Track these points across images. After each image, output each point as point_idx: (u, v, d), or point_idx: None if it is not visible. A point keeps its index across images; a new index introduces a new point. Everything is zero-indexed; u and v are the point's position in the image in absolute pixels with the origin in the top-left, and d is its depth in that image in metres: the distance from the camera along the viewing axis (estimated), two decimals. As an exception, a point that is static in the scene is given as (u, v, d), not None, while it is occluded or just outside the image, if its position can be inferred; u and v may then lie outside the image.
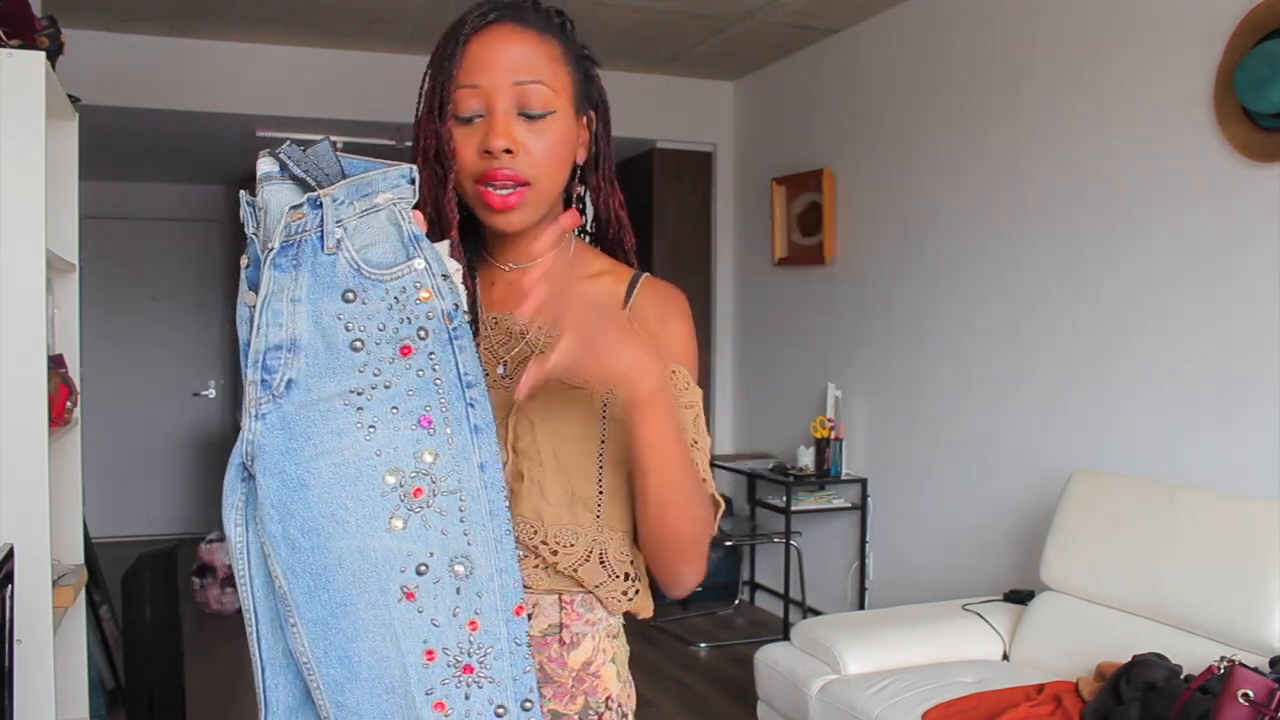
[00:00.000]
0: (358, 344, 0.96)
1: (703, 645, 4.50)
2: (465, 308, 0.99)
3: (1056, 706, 2.47)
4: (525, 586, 1.04)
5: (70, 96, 2.53)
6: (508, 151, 1.03)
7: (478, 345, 1.08)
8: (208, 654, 4.31)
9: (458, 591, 0.97)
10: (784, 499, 4.29)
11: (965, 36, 3.76)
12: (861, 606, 4.27)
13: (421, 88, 1.08)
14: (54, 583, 2.17)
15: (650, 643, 4.53)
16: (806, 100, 4.75)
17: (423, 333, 0.97)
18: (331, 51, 4.65)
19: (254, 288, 0.98)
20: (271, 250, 0.96)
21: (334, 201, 0.96)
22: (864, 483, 4.30)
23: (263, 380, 0.97)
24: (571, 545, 1.05)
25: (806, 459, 4.46)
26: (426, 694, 0.96)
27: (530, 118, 1.05)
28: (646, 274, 1.16)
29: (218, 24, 4.28)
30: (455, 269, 1.00)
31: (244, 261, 1.01)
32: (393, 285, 0.96)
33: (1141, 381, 3.06)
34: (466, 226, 1.13)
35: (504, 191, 1.04)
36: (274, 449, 0.97)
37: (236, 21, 4.25)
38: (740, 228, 5.35)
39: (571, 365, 0.94)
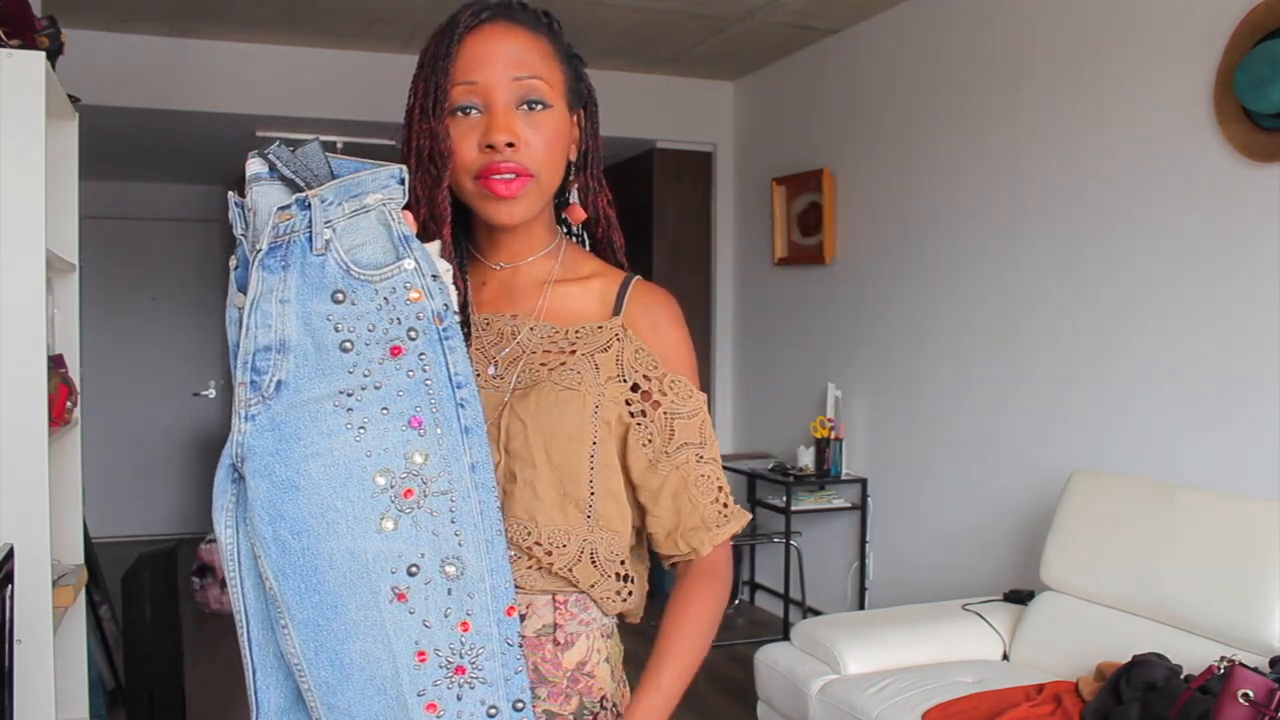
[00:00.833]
0: (347, 345, 0.96)
1: (703, 645, 4.50)
2: (455, 308, 0.99)
3: (1056, 706, 2.47)
4: (519, 587, 1.04)
5: (70, 96, 2.53)
6: (510, 145, 1.04)
7: (469, 346, 1.08)
8: (208, 654, 4.31)
9: (449, 592, 0.97)
10: (784, 499, 4.29)
11: (965, 37, 3.76)
12: (861, 606, 4.27)
13: (413, 89, 1.08)
14: (54, 583, 2.17)
15: (650, 643, 4.52)
16: (806, 100, 4.75)
17: (413, 333, 0.96)
18: (331, 51, 4.65)
19: (243, 289, 0.98)
20: (260, 251, 0.96)
21: (323, 202, 0.96)
22: (864, 483, 4.30)
23: (252, 381, 0.97)
24: (564, 546, 1.05)
25: (806, 459, 4.46)
26: (418, 695, 0.96)
27: (530, 110, 1.05)
28: (637, 277, 1.16)
29: (218, 24, 4.28)
30: (445, 269, 1.00)
31: (233, 263, 1.01)
32: (382, 286, 0.96)
33: (1142, 381, 3.05)
34: (458, 227, 1.13)
35: (508, 177, 1.05)
36: (264, 450, 0.96)
37: (236, 21, 4.25)
38: (740, 228, 5.35)
39: None
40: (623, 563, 1.09)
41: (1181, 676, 2.32)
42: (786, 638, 3.25)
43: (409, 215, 0.99)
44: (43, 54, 2.14)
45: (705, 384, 5.34)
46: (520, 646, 0.99)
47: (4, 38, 2.10)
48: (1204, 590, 2.51)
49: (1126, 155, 3.10)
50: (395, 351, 0.96)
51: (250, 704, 1.04)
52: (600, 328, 1.10)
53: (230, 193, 1.03)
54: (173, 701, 3.26)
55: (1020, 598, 3.13)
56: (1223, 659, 2.20)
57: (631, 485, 1.10)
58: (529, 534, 1.04)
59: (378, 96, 4.61)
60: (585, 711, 1.08)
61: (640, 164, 5.45)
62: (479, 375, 1.08)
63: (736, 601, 5.12)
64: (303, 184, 0.97)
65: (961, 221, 3.78)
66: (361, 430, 0.96)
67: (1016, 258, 3.53)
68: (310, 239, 0.96)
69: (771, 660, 3.05)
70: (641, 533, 1.14)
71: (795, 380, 4.83)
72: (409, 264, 0.97)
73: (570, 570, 1.05)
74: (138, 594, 3.17)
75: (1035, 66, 3.44)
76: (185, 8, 4.05)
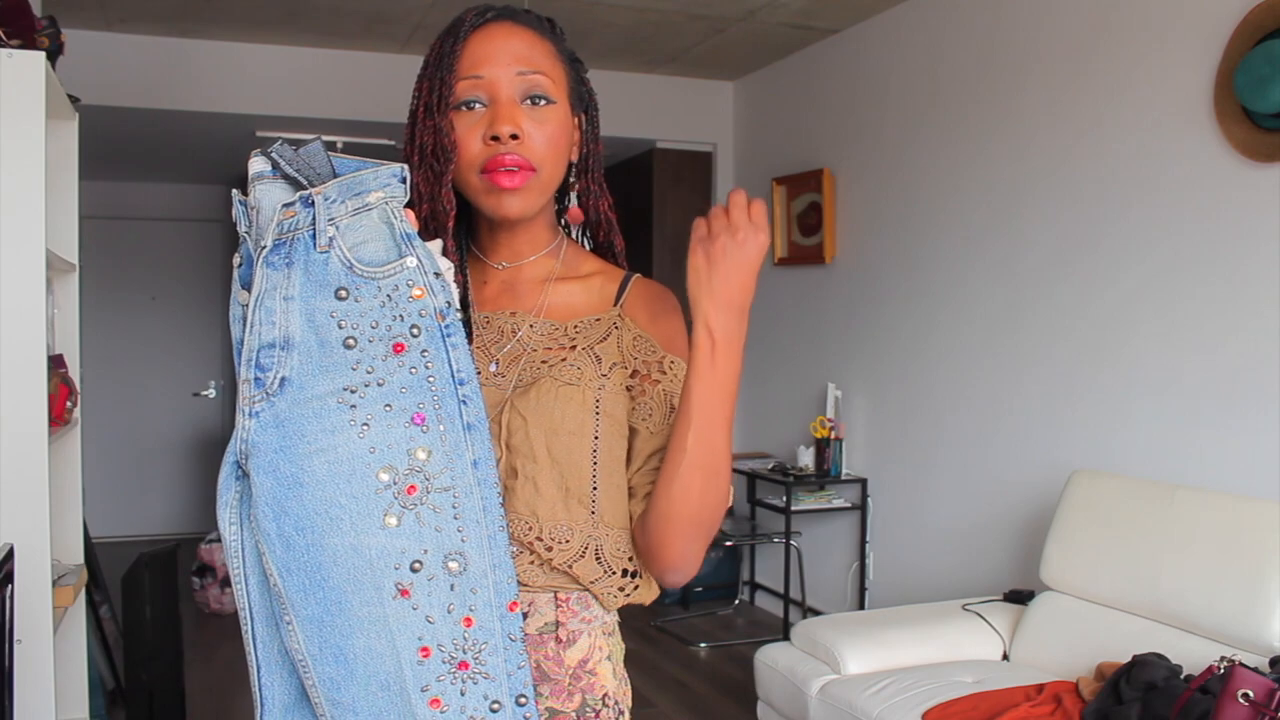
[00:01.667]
0: (351, 341, 0.97)
1: (703, 645, 4.50)
2: (458, 305, 1.00)
3: (1056, 706, 2.47)
4: (521, 584, 1.05)
5: (70, 96, 2.53)
6: (514, 137, 1.05)
7: (471, 343, 1.09)
8: (208, 654, 4.31)
9: (452, 588, 0.97)
10: (784, 499, 4.29)
11: (965, 37, 3.76)
12: (861, 606, 4.27)
13: (417, 89, 1.09)
14: (54, 583, 2.17)
15: (650, 642, 4.53)
16: (806, 100, 4.75)
17: (415, 330, 0.97)
18: (331, 51, 4.65)
19: (247, 286, 0.99)
20: (264, 248, 0.97)
21: (326, 200, 0.96)
22: (864, 483, 4.30)
23: (256, 378, 0.98)
24: (567, 541, 1.05)
25: (806, 459, 4.46)
26: (422, 690, 0.97)
27: (534, 104, 1.07)
28: (638, 275, 1.17)
29: (217, 24, 4.28)
30: (448, 267, 1.00)
31: (236, 260, 1.01)
32: (385, 283, 0.97)
33: (1142, 381, 3.06)
34: (459, 225, 1.14)
35: (512, 170, 1.06)
36: (268, 447, 0.97)
37: (236, 21, 4.25)
38: (740, 228, 5.34)
39: (707, 273, 1.03)
40: (631, 559, 1.09)
41: (1181, 676, 2.32)
42: (786, 638, 3.25)
43: (410, 213, 1.00)
44: (43, 54, 2.14)
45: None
46: (523, 642, 1.00)
47: (4, 38, 2.10)
48: (1204, 590, 2.51)
49: (1126, 155, 3.10)
50: (398, 348, 0.97)
51: (255, 700, 1.05)
52: (598, 319, 1.12)
53: (234, 190, 1.04)
54: (173, 701, 3.27)
55: (1020, 598, 3.13)
56: (1223, 659, 2.20)
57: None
58: (530, 529, 1.05)
59: (378, 96, 4.61)
60: (588, 709, 1.08)
61: (640, 164, 5.45)
62: (480, 373, 1.09)
63: (736, 601, 5.12)
64: (305, 182, 0.98)
65: (961, 222, 3.78)
66: (365, 427, 0.96)
67: (1017, 257, 3.53)
68: (314, 236, 0.97)
69: (771, 660, 3.05)
70: None
71: (795, 380, 4.83)
72: (411, 261, 0.97)
73: (571, 566, 1.06)
74: (138, 594, 3.17)
75: (1035, 66, 3.44)
76: (185, 8, 4.05)
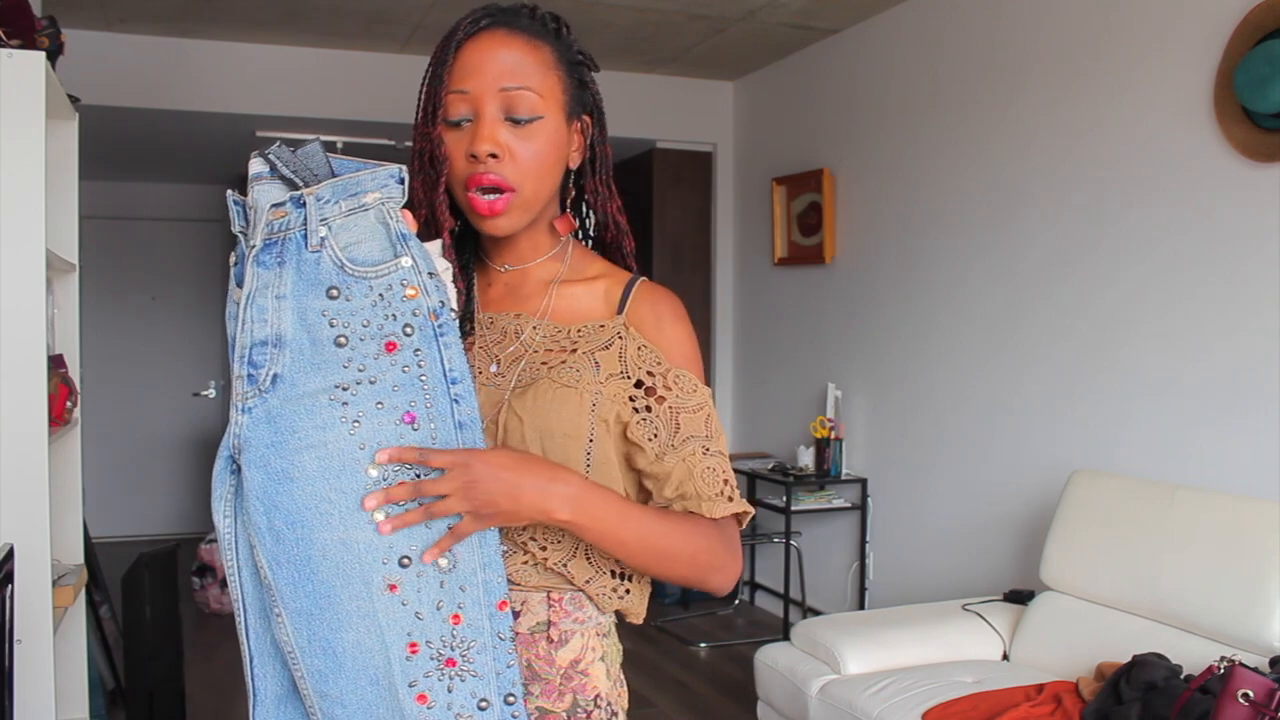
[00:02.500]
0: (342, 340, 0.97)
1: (703, 645, 4.50)
2: (453, 305, 1.00)
3: (1056, 706, 2.47)
4: (514, 583, 1.05)
5: (70, 96, 2.53)
6: (493, 156, 1.05)
7: (471, 344, 1.09)
8: (208, 654, 4.31)
9: (441, 585, 0.98)
10: (784, 499, 4.29)
11: (965, 36, 3.76)
12: (861, 606, 4.27)
13: (420, 93, 1.10)
14: (54, 583, 2.17)
15: (650, 643, 4.53)
16: (806, 100, 4.75)
17: (408, 329, 0.98)
18: (331, 51, 4.65)
19: (240, 284, 1.00)
20: (254, 248, 0.98)
21: (318, 200, 0.97)
22: (864, 483, 4.30)
23: (249, 375, 0.99)
24: (559, 541, 1.06)
25: (806, 459, 4.46)
26: (409, 686, 0.97)
27: (517, 123, 1.06)
28: (643, 278, 1.16)
29: (217, 24, 4.28)
30: (444, 267, 1.01)
31: (232, 259, 1.03)
32: (378, 282, 0.97)
33: (1141, 381, 3.06)
34: (465, 230, 1.14)
35: (490, 198, 1.06)
36: (260, 442, 0.98)
37: (236, 21, 4.25)
38: (740, 228, 5.36)
39: (470, 526, 0.98)
40: (618, 560, 1.09)
41: (1181, 676, 2.32)
42: (786, 638, 3.25)
43: (408, 214, 1.00)
44: (43, 54, 2.14)
45: (706, 384, 5.35)
46: (512, 641, 1.00)
47: (4, 38, 2.10)
48: (1204, 590, 2.51)
49: (1126, 155, 3.10)
50: (390, 347, 0.98)
51: (248, 691, 1.06)
52: (602, 326, 1.11)
53: (230, 191, 1.04)
54: (173, 701, 3.27)
55: (1020, 598, 3.12)
56: (1223, 659, 2.19)
57: (638, 479, 1.11)
58: (524, 529, 1.05)
59: (378, 96, 4.61)
60: (579, 709, 1.08)
61: (640, 164, 5.45)
62: (481, 373, 1.09)
63: (736, 602, 5.12)
64: (302, 183, 0.99)
65: (961, 221, 3.79)
66: (356, 424, 0.97)
67: (1017, 257, 3.53)
68: (305, 236, 0.98)
69: (771, 660, 3.05)
70: None
71: (795, 380, 4.83)
72: (406, 261, 0.98)
73: (565, 566, 1.06)
74: (138, 594, 3.17)
75: (1035, 66, 3.44)
76: (185, 8, 4.05)
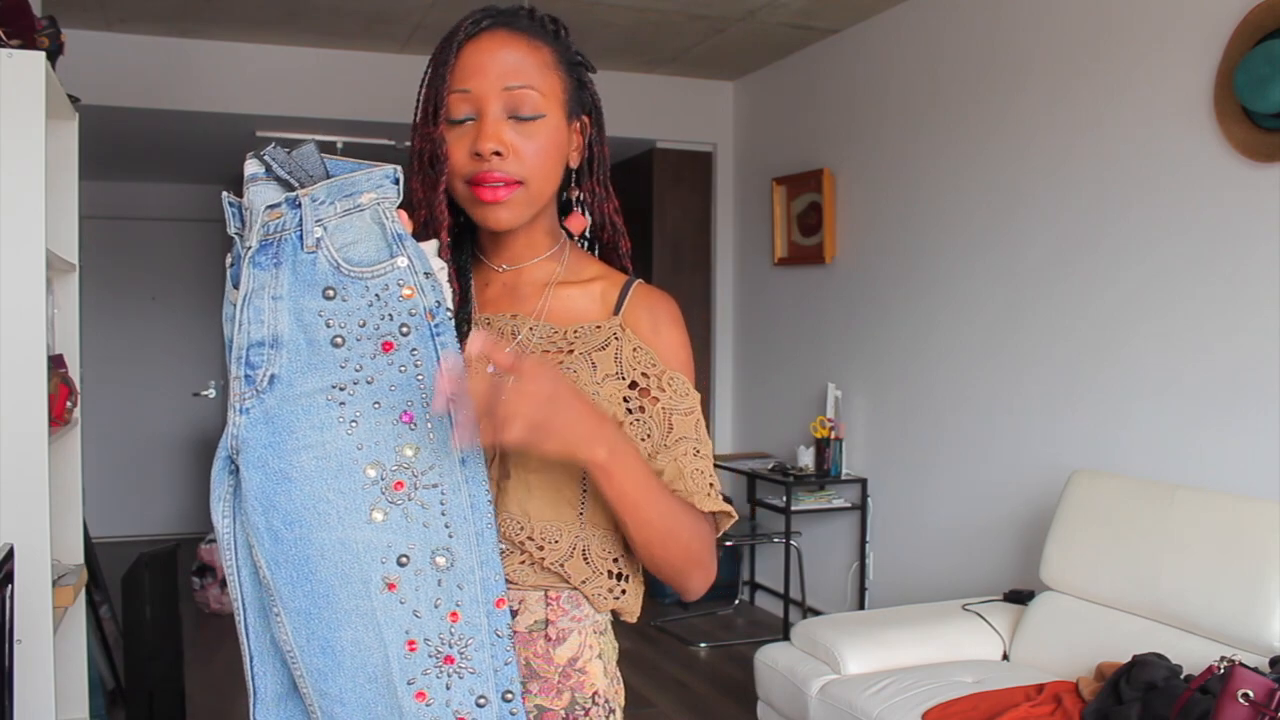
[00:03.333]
0: (339, 340, 0.98)
1: (703, 645, 4.50)
2: (449, 305, 1.00)
3: (1056, 706, 2.47)
4: (511, 582, 1.06)
5: (70, 96, 2.53)
6: (497, 154, 1.06)
7: (463, 343, 1.09)
8: (208, 654, 4.31)
9: (439, 583, 0.98)
10: (784, 499, 4.29)
11: (965, 36, 3.76)
12: (861, 606, 4.27)
13: (419, 94, 1.10)
14: (54, 583, 2.17)
15: (650, 643, 4.53)
16: (806, 100, 4.75)
17: (405, 329, 0.98)
18: (331, 51, 4.65)
19: (237, 285, 1.01)
20: (250, 249, 0.98)
21: (314, 201, 0.98)
22: (864, 483, 4.30)
23: (246, 376, 0.99)
24: (556, 541, 1.06)
25: (806, 459, 4.46)
26: (408, 684, 0.98)
27: (520, 120, 1.07)
28: (639, 280, 1.17)
29: (217, 24, 4.28)
30: (440, 267, 1.01)
31: (229, 260, 1.04)
32: (374, 283, 0.98)
33: (1142, 381, 3.06)
34: (463, 230, 1.15)
35: (496, 185, 1.06)
36: (257, 443, 0.99)
37: (236, 21, 4.25)
38: (740, 228, 5.35)
39: (520, 444, 0.95)
40: (616, 560, 1.10)
41: (1181, 676, 2.32)
42: (786, 638, 3.25)
43: (404, 214, 1.01)
44: (43, 54, 2.14)
45: (705, 384, 5.34)
46: (510, 638, 1.01)
47: (4, 38, 2.10)
48: (1204, 590, 2.51)
49: (1126, 155, 3.10)
50: (386, 347, 0.98)
51: (249, 690, 1.06)
52: (599, 327, 1.12)
53: (224, 192, 1.05)
54: (173, 701, 3.27)
55: (1020, 598, 3.12)
56: (1223, 659, 2.20)
57: None
58: (521, 529, 1.05)
59: (378, 96, 4.61)
60: (577, 707, 1.08)
61: (640, 164, 5.45)
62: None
63: (736, 602, 5.12)
64: (297, 184, 0.99)
65: (961, 221, 3.79)
66: (353, 424, 0.98)
67: (1017, 257, 3.53)
68: (301, 237, 0.98)
69: (771, 660, 3.05)
70: None
71: (795, 380, 4.83)
72: (402, 261, 0.98)
73: (562, 566, 1.06)
74: (138, 594, 3.17)
75: (1035, 66, 3.44)
76: (185, 8, 4.05)
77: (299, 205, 0.97)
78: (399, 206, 1.00)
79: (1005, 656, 2.97)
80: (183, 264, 6.93)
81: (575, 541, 1.07)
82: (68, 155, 2.59)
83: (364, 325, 0.98)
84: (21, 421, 2.08)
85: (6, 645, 1.77)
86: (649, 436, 1.08)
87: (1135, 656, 2.40)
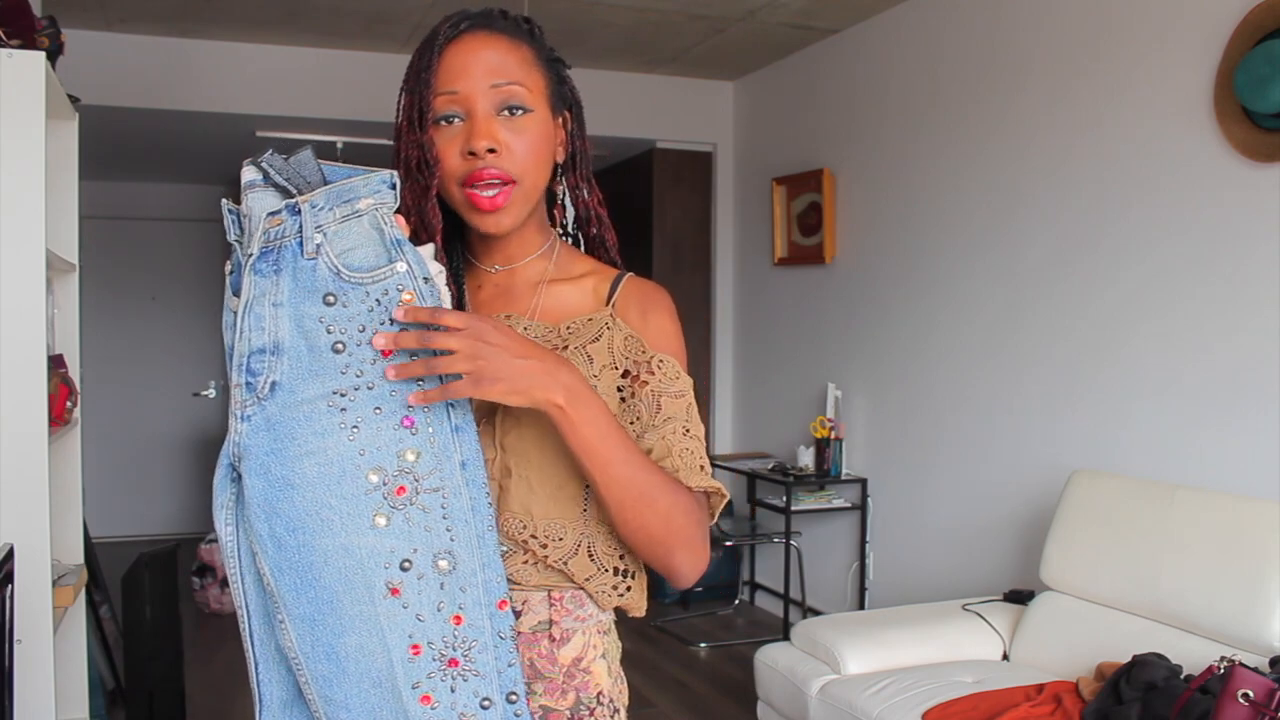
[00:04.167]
0: (339, 346, 0.98)
1: (703, 645, 4.50)
2: (447, 308, 1.01)
3: (1056, 706, 2.47)
4: (515, 582, 1.06)
5: (70, 96, 2.53)
6: (491, 151, 1.06)
7: None
8: (208, 654, 4.31)
9: (442, 587, 0.98)
10: (784, 499, 4.29)
11: (965, 36, 3.76)
12: (861, 606, 4.27)
13: (399, 103, 1.10)
14: (54, 583, 2.17)
15: (650, 642, 4.53)
16: (806, 100, 4.75)
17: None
18: (331, 51, 4.65)
19: (237, 293, 1.01)
20: (251, 256, 0.99)
21: (313, 207, 0.98)
22: (864, 483, 4.30)
23: (247, 383, 1.00)
24: (560, 539, 1.06)
25: (806, 459, 4.46)
26: (413, 688, 0.98)
27: (510, 115, 1.07)
28: (629, 273, 1.17)
29: (217, 24, 4.28)
30: (438, 271, 1.02)
31: (228, 268, 1.04)
32: (374, 288, 0.98)
33: (1141, 381, 3.06)
34: (454, 231, 1.15)
35: (490, 192, 1.07)
36: (259, 450, 0.99)
37: (236, 21, 4.25)
38: (740, 228, 5.36)
39: (467, 389, 0.95)
40: (622, 556, 1.09)
41: (1181, 676, 2.32)
42: (786, 638, 3.25)
43: (401, 219, 1.01)
44: (43, 54, 2.14)
45: (705, 384, 5.34)
46: (513, 640, 1.01)
47: (4, 38, 2.10)
48: (1204, 590, 2.51)
49: (1126, 155, 3.10)
50: (387, 352, 0.98)
51: (254, 697, 1.07)
52: (590, 319, 1.12)
53: (223, 200, 1.05)
54: (173, 701, 3.27)
55: (1020, 598, 3.13)
56: (1223, 659, 2.20)
57: None
58: (524, 527, 1.05)
59: (378, 96, 4.59)
60: (582, 707, 1.09)
61: (640, 164, 5.45)
62: None
63: (736, 601, 5.12)
64: (295, 190, 0.99)
65: (961, 221, 3.79)
66: (355, 429, 0.98)
67: (1017, 257, 3.53)
68: (301, 244, 0.98)
69: (771, 660, 3.05)
70: None
71: (795, 380, 4.83)
72: (401, 267, 0.98)
73: (566, 564, 1.06)
74: (138, 594, 3.17)
75: (1035, 66, 3.44)
76: (185, 8, 4.05)
77: (299, 212, 0.98)
78: (395, 211, 1.01)
79: (1005, 656, 2.97)
80: (183, 264, 6.93)
81: (580, 539, 1.06)
82: (68, 155, 2.59)
83: (364, 331, 0.98)
84: (21, 421, 2.08)
85: (6, 645, 1.77)
86: (638, 419, 1.08)
87: (1135, 656, 2.40)
